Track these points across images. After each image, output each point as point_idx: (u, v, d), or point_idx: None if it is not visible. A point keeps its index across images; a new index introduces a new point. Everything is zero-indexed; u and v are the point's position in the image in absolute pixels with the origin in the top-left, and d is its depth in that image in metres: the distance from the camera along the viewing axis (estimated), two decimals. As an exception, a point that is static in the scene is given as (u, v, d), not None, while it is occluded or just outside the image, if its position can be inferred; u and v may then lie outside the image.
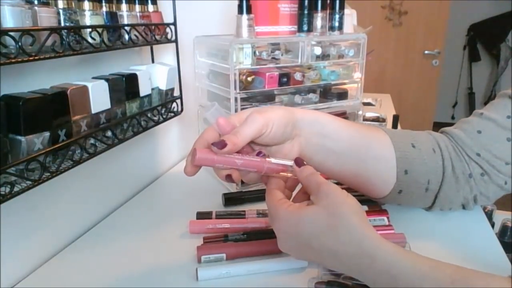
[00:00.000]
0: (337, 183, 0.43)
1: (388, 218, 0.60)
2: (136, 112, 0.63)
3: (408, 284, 0.34)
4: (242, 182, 0.73)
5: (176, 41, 0.73)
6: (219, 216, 0.63)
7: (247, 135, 0.42)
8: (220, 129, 0.43)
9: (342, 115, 0.82)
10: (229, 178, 0.42)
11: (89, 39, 0.52)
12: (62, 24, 0.48)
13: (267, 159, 0.43)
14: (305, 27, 0.76)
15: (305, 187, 0.42)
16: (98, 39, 0.53)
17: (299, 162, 0.43)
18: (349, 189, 0.65)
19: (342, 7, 0.77)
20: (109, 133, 0.58)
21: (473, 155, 0.58)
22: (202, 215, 0.63)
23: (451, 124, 0.64)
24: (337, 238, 0.36)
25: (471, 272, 0.34)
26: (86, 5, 0.52)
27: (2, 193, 0.40)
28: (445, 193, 0.58)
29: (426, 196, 0.59)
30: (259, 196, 0.69)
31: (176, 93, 0.75)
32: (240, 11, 0.69)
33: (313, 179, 0.40)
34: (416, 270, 0.34)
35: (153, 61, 0.74)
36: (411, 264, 0.34)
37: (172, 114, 0.74)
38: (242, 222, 0.60)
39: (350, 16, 0.94)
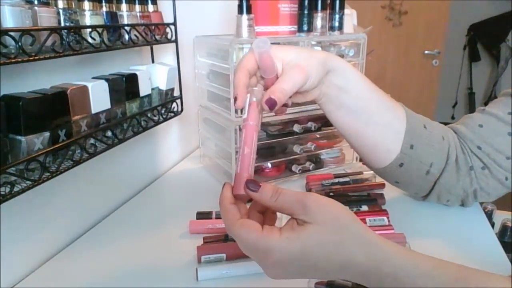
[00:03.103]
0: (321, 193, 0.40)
1: (388, 218, 0.60)
2: (136, 112, 0.63)
3: (411, 283, 0.34)
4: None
5: (176, 41, 0.73)
6: (219, 216, 0.63)
7: (291, 92, 0.43)
8: (262, 64, 0.43)
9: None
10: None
11: (89, 39, 0.52)
12: (62, 24, 0.48)
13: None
14: (305, 27, 0.76)
15: (277, 210, 0.37)
16: (98, 39, 0.53)
17: (252, 185, 0.37)
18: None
19: (342, 7, 0.77)
20: (109, 133, 0.58)
21: (474, 148, 0.58)
22: (202, 215, 0.63)
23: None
24: (345, 252, 0.34)
25: (473, 271, 0.34)
26: (86, 5, 0.52)
27: (2, 193, 0.40)
28: (445, 181, 0.59)
29: (426, 179, 0.59)
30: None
31: (176, 93, 0.75)
32: (240, 11, 0.69)
33: (286, 198, 0.35)
34: (420, 269, 0.34)
35: (153, 61, 0.74)
36: (415, 264, 0.34)
37: (172, 114, 0.74)
38: (242, 222, 0.60)
39: (350, 16, 0.94)
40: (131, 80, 0.61)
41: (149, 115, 0.67)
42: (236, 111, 0.71)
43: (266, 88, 0.46)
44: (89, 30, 0.52)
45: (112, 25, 0.57)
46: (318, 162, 0.86)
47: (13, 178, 0.42)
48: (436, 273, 0.34)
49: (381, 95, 0.54)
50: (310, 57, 0.47)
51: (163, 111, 0.71)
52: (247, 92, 0.42)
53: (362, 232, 0.35)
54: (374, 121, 0.53)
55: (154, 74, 0.68)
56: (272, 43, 0.43)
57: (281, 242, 0.34)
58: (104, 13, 0.56)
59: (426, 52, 2.57)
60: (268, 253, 0.34)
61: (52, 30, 0.45)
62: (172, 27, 0.71)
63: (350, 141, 0.57)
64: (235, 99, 0.42)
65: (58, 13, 0.48)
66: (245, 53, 0.45)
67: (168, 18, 0.71)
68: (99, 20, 0.54)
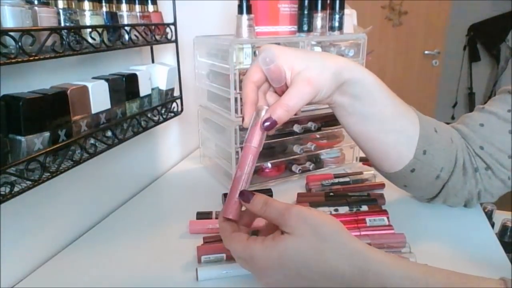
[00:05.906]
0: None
1: (388, 218, 0.60)
2: (136, 112, 0.63)
3: None
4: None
5: (176, 41, 0.73)
6: (219, 216, 0.63)
7: (296, 109, 0.41)
8: (270, 75, 0.42)
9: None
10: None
11: (89, 39, 0.52)
12: (62, 24, 0.48)
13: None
14: (305, 27, 0.76)
15: (267, 220, 0.39)
16: (98, 39, 0.53)
17: (245, 196, 0.39)
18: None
19: (342, 7, 0.77)
20: (109, 133, 0.58)
21: (477, 148, 0.58)
22: (202, 215, 0.63)
23: (451, 125, 0.64)
24: (326, 262, 0.35)
25: (463, 276, 0.34)
26: (86, 5, 0.52)
27: (2, 193, 0.40)
28: (453, 184, 0.58)
29: (435, 184, 0.59)
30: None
31: (176, 93, 0.75)
32: (240, 11, 0.69)
33: (272, 210, 0.37)
34: (407, 278, 0.33)
35: (153, 61, 0.74)
36: (403, 274, 0.34)
37: (172, 114, 0.74)
38: (242, 222, 0.60)
39: (350, 16, 0.94)
40: (131, 80, 0.61)
41: (149, 115, 0.67)
42: (236, 111, 0.71)
43: (276, 92, 0.45)
44: (89, 30, 0.52)
45: (112, 25, 0.57)
46: (318, 162, 0.86)
47: (13, 178, 0.42)
48: (424, 281, 0.33)
49: (396, 101, 0.52)
50: (323, 68, 0.44)
51: (163, 111, 0.71)
52: (255, 109, 0.41)
53: (345, 241, 0.35)
54: (388, 128, 0.52)
55: (154, 74, 0.68)
56: (273, 44, 0.43)
57: (261, 250, 0.36)
58: (104, 13, 0.56)
59: (426, 52, 2.57)
60: (252, 260, 0.37)
61: (52, 30, 0.45)
62: (172, 27, 0.71)
63: (361, 146, 0.56)
64: (243, 118, 0.42)
65: (58, 13, 0.48)
66: (251, 65, 0.43)
67: (168, 18, 0.71)
68: (99, 20, 0.54)
